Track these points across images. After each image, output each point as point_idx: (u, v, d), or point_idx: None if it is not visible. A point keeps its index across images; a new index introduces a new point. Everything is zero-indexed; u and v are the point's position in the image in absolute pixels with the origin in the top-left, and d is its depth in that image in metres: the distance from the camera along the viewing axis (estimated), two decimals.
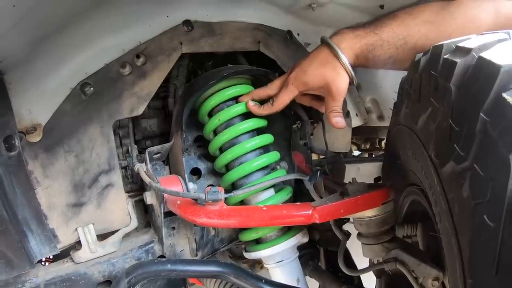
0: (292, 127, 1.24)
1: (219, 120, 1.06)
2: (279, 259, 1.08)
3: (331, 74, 0.94)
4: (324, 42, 0.96)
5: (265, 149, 1.12)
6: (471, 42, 0.61)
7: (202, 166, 1.19)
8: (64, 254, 1.02)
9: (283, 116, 1.18)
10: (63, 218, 0.97)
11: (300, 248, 1.19)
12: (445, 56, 0.62)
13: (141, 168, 1.01)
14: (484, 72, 0.51)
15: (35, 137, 0.91)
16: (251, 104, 1.05)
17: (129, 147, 1.12)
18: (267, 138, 1.10)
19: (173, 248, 1.14)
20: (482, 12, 0.87)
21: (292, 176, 1.10)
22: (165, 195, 0.96)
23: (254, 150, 1.07)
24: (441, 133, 0.59)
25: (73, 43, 0.93)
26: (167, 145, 1.08)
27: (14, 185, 0.86)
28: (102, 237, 1.04)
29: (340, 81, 0.94)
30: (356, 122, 1.51)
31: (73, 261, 1.01)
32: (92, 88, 0.97)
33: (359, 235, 1.00)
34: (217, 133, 1.09)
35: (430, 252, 0.94)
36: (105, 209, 1.02)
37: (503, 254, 0.42)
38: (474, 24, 0.87)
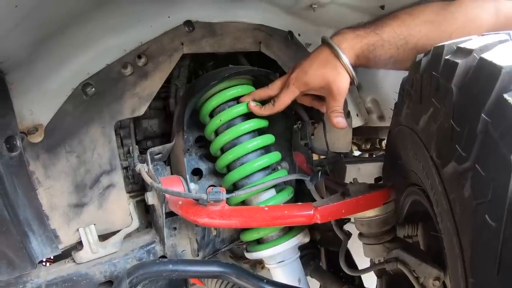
0: (293, 127, 1.24)
1: (220, 120, 1.06)
2: (280, 259, 1.08)
3: (332, 74, 0.94)
4: (325, 43, 0.96)
5: (266, 149, 1.12)
6: (472, 43, 0.61)
7: (204, 166, 1.19)
8: (65, 255, 1.02)
9: (284, 116, 1.18)
10: (65, 219, 0.97)
11: (301, 248, 1.19)
12: (446, 57, 0.62)
13: (142, 169, 1.01)
14: (485, 73, 0.51)
15: (37, 138, 0.91)
16: (252, 104, 1.05)
17: (131, 148, 1.12)
18: (268, 139, 1.10)
19: (174, 249, 1.14)
20: (483, 12, 0.87)
21: (293, 177, 1.11)
22: (167, 195, 0.96)
23: (255, 150, 1.07)
24: (442, 133, 0.59)
25: (75, 43, 0.93)
26: (168, 145, 1.08)
27: (15, 185, 0.86)
28: (103, 237, 1.04)
29: (341, 81, 0.94)
30: (356, 122, 1.52)
31: (74, 261, 1.01)
32: (93, 89, 0.97)
33: (360, 235, 1.00)
34: (219, 134, 1.09)
35: (431, 252, 0.94)
36: (107, 210, 1.02)
37: (505, 254, 0.42)
38: (475, 24, 0.87)
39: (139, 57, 1.02)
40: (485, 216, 0.45)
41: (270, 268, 1.11)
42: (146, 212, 1.19)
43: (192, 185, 1.06)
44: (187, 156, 1.16)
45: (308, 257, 1.27)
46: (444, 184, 0.59)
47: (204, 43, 1.11)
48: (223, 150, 1.10)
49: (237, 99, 1.09)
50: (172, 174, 1.14)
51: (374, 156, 2.17)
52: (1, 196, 0.79)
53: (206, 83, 1.04)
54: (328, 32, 1.25)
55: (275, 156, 1.11)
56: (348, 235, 1.06)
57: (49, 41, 0.87)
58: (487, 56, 0.53)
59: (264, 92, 1.06)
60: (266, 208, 0.91)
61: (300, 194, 1.19)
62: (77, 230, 0.99)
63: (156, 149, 1.06)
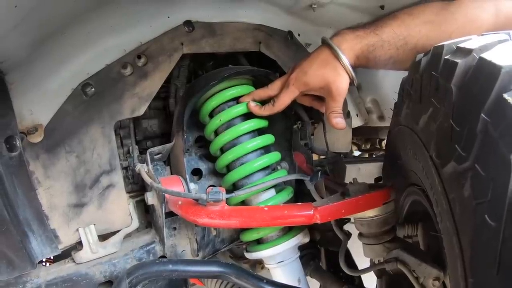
0: (292, 127, 1.24)
1: (220, 120, 1.06)
2: (280, 259, 1.08)
3: (332, 74, 0.94)
4: (325, 43, 0.96)
5: (266, 149, 1.12)
6: (472, 42, 0.61)
7: (203, 166, 1.19)
8: (65, 255, 1.02)
9: (284, 116, 1.18)
10: (64, 219, 0.97)
11: (301, 248, 1.19)
12: (446, 57, 0.62)
13: (142, 169, 1.01)
14: (485, 72, 0.51)
15: (37, 138, 0.91)
16: (252, 104, 1.05)
17: (130, 148, 1.12)
18: (268, 139, 1.10)
19: (174, 249, 1.14)
20: (483, 12, 0.87)
21: (293, 177, 1.11)
22: (166, 195, 0.96)
23: (255, 150, 1.07)
24: (442, 133, 0.59)
25: (75, 43, 0.93)
26: (168, 145, 1.08)
27: (15, 185, 0.86)
28: (103, 237, 1.04)
29: (341, 82, 0.94)
30: (356, 122, 1.52)
31: (74, 261, 1.01)
32: (93, 89, 0.97)
33: (360, 235, 1.00)
34: (218, 134, 1.09)
35: (430, 252, 0.94)
36: (106, 210, 1.02)
37: (504, 254, 0.42)
38: (475, 24, 0.87)
39: (139, 57, 1.02)
40: (485, 216, 0.45)
41: (270, 268, 1.11)
42: (146, 212, 1.19)
43: (192, 185, 1.06)
44: (186, 156, 1.16)
45: (308, 257, 1.27)
46: (444, 184, 0.59)
47: (204, 43, 1.11)
48: (222, 150, 1.10)
49: (237, 99, 1.09)
50: (171, 174, 1.14)
51: (374, 156, 2.17)
52: (1, 196, 0.79)
53: (206, 83, 1.04)
54: (328, 32, 1.25)
55: (275, 156, 1.11)
56: (348, 235, 1.06)
57: (48, 41, 0.87)
58: (486, 56, 0.53)
59: (264, 92, 1.06)
60: (266, 208, 0.91)
61: (300, 194, 1.19)
62: (77, 230, 0.99)
63: (156, 149, 1.06)
